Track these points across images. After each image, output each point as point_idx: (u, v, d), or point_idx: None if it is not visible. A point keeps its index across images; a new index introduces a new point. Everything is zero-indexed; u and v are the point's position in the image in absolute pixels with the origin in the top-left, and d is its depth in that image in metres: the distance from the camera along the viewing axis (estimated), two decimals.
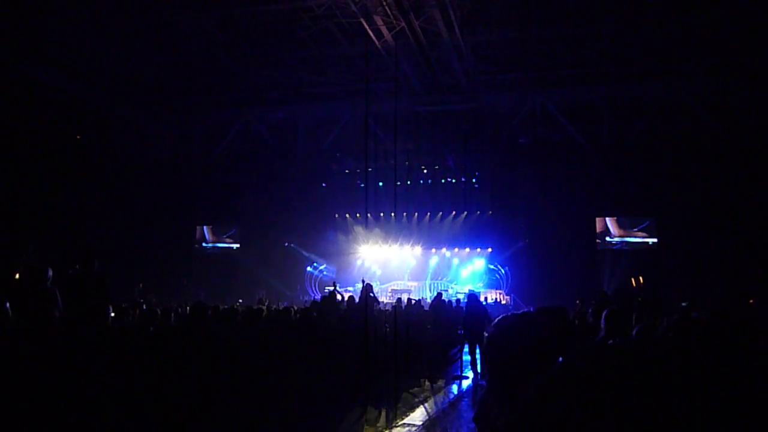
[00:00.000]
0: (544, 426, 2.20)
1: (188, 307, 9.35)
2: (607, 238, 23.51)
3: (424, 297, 22.05)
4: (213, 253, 27.08)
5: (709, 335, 3.67)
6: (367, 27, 17.50)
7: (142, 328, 7.09)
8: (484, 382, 10.17)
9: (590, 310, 6.58)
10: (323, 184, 26.56)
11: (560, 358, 2.38)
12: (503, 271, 24.38)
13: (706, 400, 2.47)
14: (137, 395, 5.30)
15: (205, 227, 27.50)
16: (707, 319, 4.72)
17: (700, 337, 3.66)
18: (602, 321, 4.61)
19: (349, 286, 24.06)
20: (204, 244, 27.45)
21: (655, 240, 22.85)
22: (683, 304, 13.39)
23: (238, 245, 26.96)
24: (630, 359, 2.75)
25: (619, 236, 23.39)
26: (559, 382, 2.30)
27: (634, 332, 4.58)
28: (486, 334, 16.94)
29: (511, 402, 2.36)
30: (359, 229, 26.44)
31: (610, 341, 4.45)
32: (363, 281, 11.97)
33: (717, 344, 3.57)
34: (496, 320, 2.72)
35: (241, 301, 19.93)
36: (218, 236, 27.40)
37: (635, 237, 23.23)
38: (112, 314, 8.25)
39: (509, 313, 2.56)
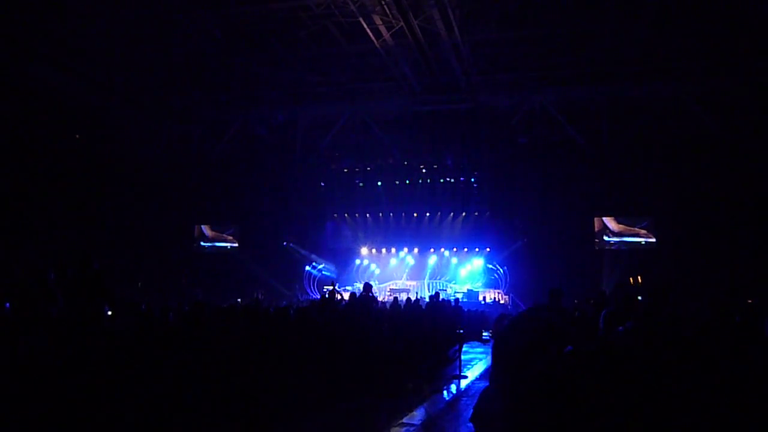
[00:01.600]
0: (543, 416, 2.23)
1: (186, 307, 9.36)
2: (605, 237, 23.55)
3: (423, 297, 22.08)
4: (211, 253, 27.09)
5: (700, 332, 3.70)
6: (365, 26, 17.51)
7: (140, 327, 7.10)
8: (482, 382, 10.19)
9: (590, 310, 6.61)
10: (322, 183, 26.57)
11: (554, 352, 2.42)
12: (502, 271, 24.41)
13: (696, 395, 2.50)
14: (135, 394, 5.31)
15: (203, 225, 27.51)
16: (698, 316, 4.76)
17: (688, 333, 3.69)
18: (600, 321, 4.64)
19: (348, 285, 24.10)
20: (203, 243, 27.43)
21: (653, 240, 22.89)
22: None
23: (236, 244, 26.96)
24: (624, 355, 2.77)
25: (618, 233, 23.42)
26: (557, 374, 2.33)
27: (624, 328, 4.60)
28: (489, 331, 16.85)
29: (511, 394, 2.39)
30: (358, 229, 26.50)
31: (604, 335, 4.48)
32: (367, 284, 12.00)
33: (707, 341, 3.60)
34: (513, 319, 2.78)
35: (239, 300, 19.94)
36: (217, 232, 27.37)
37: (635, 236, 23.25)
38: (110, 313, 8.26)
39: (519, 311, 2.61)
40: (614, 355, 2.82)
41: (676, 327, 4.04)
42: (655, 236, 22.88)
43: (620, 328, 4.63)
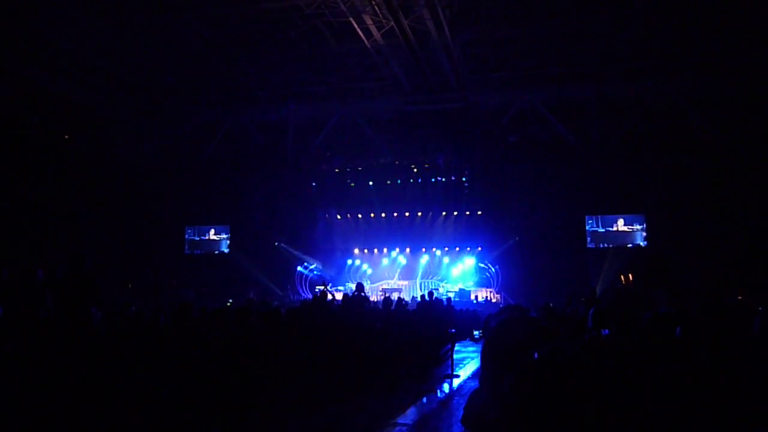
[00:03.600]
0: (533, 413, 2.23)
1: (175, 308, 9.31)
2: (597, 235, 23.65)
3: (415, 296, 22.09)
4: (202, 254, 26.94)
5: (687, 328, 3.73)
6: (356, 26, 17.50)
7: (131, 328, 7.07)
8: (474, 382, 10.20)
9: (581, 309, 6.65)
10: (313, 183, 26.51)
11: (536, 354, 2.43)
12: (493, 270, 24.44)
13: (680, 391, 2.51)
14: (126, 396, 5.28)
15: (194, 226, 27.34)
16: (684, 312, 4.78)
17: (673, 329, 3.72)
18: (589, 319, 4.68)
19: (340, 285, 24.07)
20: (194, 244, 27.23)
21: (643, 234, 23.03)
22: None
23: (228, 245, 26.84)
24: (610, 351, 2.79)
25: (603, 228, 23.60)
26: (543, 373, 2.34)
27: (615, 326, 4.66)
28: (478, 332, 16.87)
29: (500, 394, 2.39)
30: (349, 229, 26.48)
31: (593, 334, 4.52)
32: (359, 283, 12.00)
33: (694, 336, 3.63)
34: (500, 320, 2.78)
35: (231, 301, 19.88)
36: (208, 233, 27.17)
37: (618, 233, 23.40)
38: (100, 314, 8.21)
39: (509, 313, 2.63)
40: (604, 352, 2.83)
41: (666, 324, 4.06)
42: (644, 232, 23.00)
43: (604, 331, 4.65)
